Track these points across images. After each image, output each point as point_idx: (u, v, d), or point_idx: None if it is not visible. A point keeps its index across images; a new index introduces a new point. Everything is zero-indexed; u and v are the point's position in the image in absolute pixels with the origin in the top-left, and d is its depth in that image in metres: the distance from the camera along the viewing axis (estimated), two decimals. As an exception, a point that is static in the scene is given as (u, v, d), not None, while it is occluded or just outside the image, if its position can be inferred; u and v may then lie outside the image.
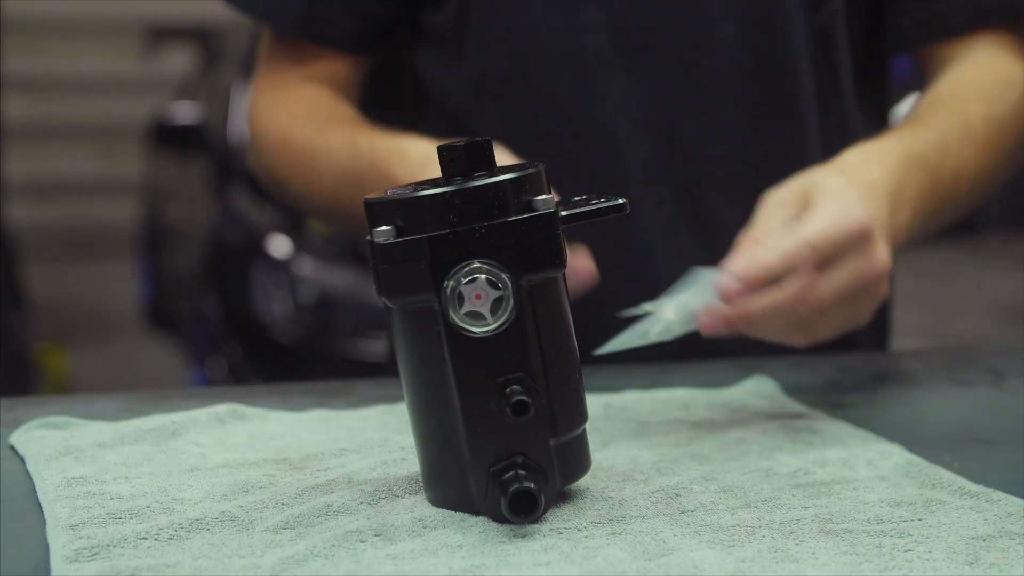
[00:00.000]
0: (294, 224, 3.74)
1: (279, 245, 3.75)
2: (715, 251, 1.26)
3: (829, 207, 0.97)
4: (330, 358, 3.55)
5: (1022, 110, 1.26)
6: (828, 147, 1.29)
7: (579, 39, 1.25)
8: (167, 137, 4.90)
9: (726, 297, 0.94)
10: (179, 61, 6.77)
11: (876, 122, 1.35)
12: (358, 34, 1.32)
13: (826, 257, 0.96)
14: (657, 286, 1.25)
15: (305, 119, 1.31)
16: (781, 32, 1.27)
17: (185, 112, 4.97)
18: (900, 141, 1.15)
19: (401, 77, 1.40)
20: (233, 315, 3.89)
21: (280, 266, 3.71)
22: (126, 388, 1.16)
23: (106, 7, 7.50)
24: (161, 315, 5.57)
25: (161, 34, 6.73)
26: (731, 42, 1.26)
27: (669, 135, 1.26)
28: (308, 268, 3.68)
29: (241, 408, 1.03)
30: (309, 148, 1.28)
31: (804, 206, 0.99)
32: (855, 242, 0.97)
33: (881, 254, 0.99)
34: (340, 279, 3.63)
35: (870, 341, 1.37)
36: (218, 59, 5.41)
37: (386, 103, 1.43)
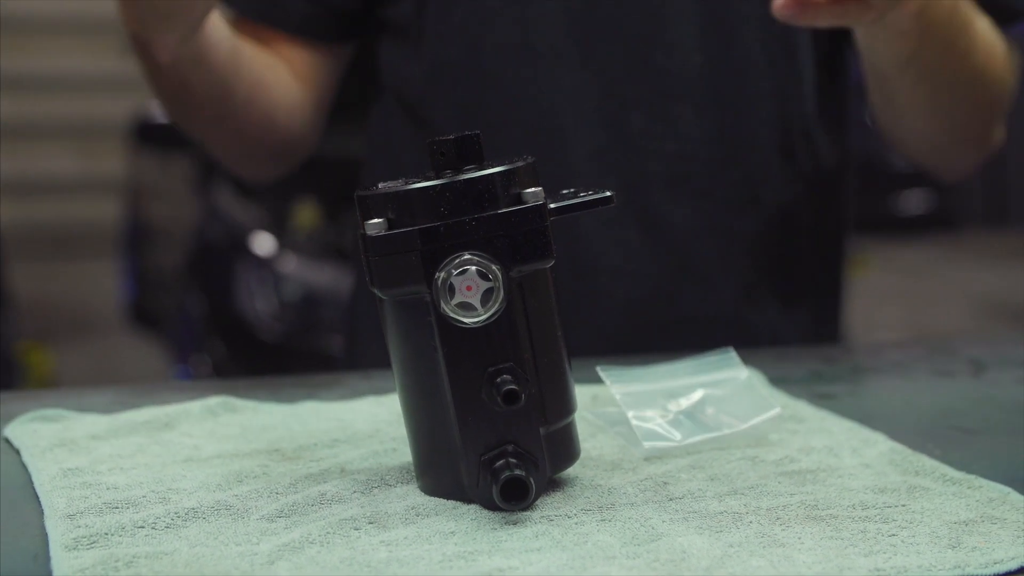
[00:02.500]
0: (278, 222, 3.75)
1: (263, 243, 3.76)
2: (659, 247, 1.28)
3: None
4: (314, 355, 3.55)
5: (1004, 48, 1.31)
6: (785, 150, 1.31)
7: (533, 30, 1.27)
8: (149, 135, 4.89)
9: None
10: (160, 60, 6.74)
11: (836, 126, 1.36)
12: (315, 21, 1.33)
13: None
14: (598, 278, 1.27)
15: None
16: (738, 36, 1.28)
17: (167, 111, 4.94)
18: None
19: (358, 66, 1.41)
20: (217, 313, 3.89)
21: (264, 263, 3.72)
22: (110, 386, 1.16)
23: (88, 5, 7.48)
24: (143, 314, 5.56)
25: (142, 32, 6.67)
26: (687, 42, 1.27)
27: (619, 129, 1.27)
28: (292, 265, 3.68)
29: (232, 400, 1.04)
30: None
31: None
32: None
33: None
34: (324, 276, 3.64)
35: (826, 334, 1.39)
36: (200, 57, 5.39)
37: (343, 90, 1.44)
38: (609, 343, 1.25)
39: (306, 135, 1.35)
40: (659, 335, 1.27)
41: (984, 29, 1.26)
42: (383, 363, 1.27)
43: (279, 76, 1.31)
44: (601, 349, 1.20)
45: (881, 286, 5.99)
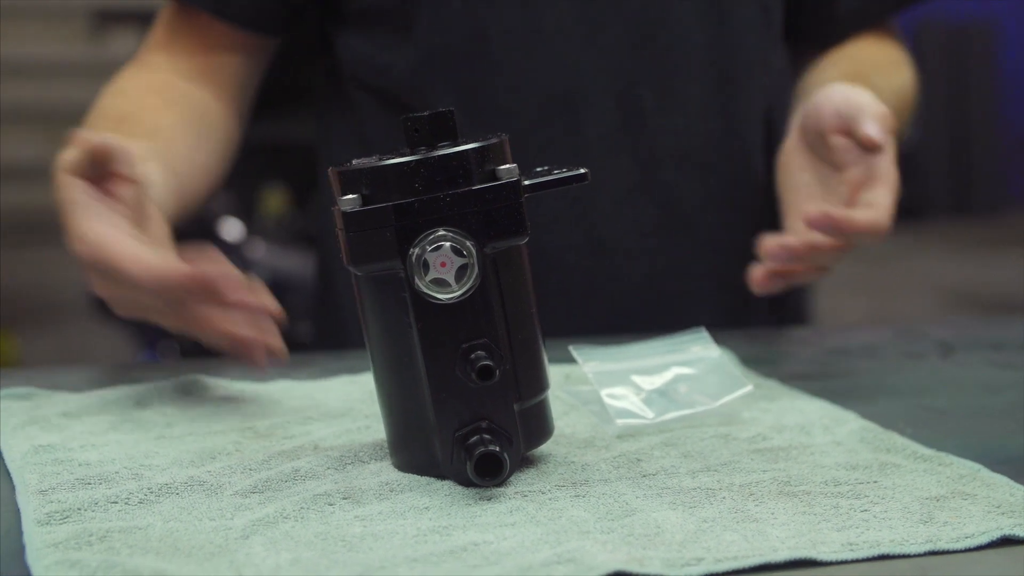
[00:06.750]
0: (246, 207, 3.73)
1: (231, 228, 3.74)
2: (671, 222, 1.29)
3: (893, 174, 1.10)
4: (282, 341, 3.54)
5: (912, 85, 1.36)
6: (767, 121, 1.33)
7: (539, 11, 1.26)
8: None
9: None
10: (126, 45, 6.70)
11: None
12: (263, 11, 1.28)
13: None
14: (615, 257, 1.28)
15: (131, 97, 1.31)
16: (728, 9, 1.30)
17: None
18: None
19: (310, 64, 1.38)
20: (184, 299, 3.87)
21: (232, 249, 3.69)
22: (80, 366, 1.16)
23: (53, -9, 7.44)
24: (109, 300, 5.52)
25: (107, 18, 6.66)
26: (686, 17, 1.29)
27: (629, 107, 1.28)
28: (260, 251, 3.67)
29: (204, 379, 1.04)
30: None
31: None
32: None
33: None
34: (292, 262, 3.62)
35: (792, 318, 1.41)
36: (166, 43, 5.37)
37: (295, 91, 1.39)
38: (625, 319, 1.26)
39: (234, 151, 1.32)
40: (671, 309, 1.29)
41: (894, 86, 1.31)
42: (355, 345, 1.27)
43: (213, 133, 1.27)
44: (618, 325, 1.21)
45: (847, 275, 6.00)
